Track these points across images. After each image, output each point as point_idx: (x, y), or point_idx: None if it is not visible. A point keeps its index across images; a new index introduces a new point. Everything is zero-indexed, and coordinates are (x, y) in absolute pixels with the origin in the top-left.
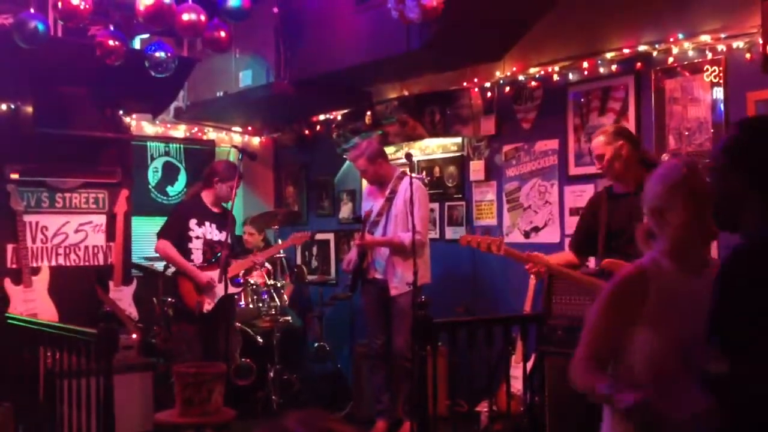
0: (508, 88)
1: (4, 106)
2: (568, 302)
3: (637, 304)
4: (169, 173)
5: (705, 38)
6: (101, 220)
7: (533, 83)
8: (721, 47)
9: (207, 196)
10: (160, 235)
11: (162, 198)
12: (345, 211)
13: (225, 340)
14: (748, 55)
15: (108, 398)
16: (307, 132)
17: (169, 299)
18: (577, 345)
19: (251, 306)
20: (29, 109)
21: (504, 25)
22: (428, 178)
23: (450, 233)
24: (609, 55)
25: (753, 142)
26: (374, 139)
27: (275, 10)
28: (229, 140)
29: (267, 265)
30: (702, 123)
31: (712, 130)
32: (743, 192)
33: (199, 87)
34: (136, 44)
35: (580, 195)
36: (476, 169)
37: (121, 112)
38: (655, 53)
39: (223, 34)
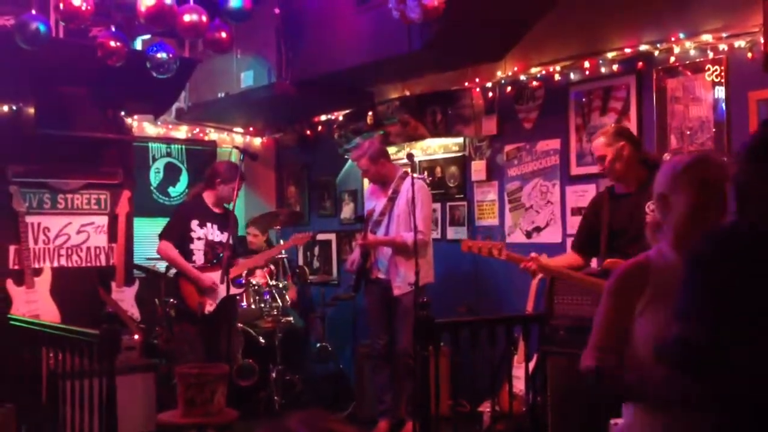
0: (509, 88)
1: (5, 108)
2: (570, 302)
3: (637, 293)
4: (171, 174)
5: (706, 37)
6: (103, 221)
7: (535, 83)
8: (722, 46)
9: (209, 197)
10: (162, 236)
11: (164, 199)
12: (347, 211)
13: (227, 341)
14: (749, 55)
15: (111, 399)
16: (308, 132)
17: (171, 300)
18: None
19: (253, 306)
20: (31, 110)
21: (505, 24)
22: (430, 179)
23: (452, 233)
24: (610, 55)
25: None
26: (376, 139)
27: (276, 10)
28: (231, 141)
29: (269, 265)
30: (704, 122)
31: (713, 130)
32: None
33: (200, 88)
34: (138, 45)
35: (582, 195)
36: (478, 169)
37: (122, 113)
38: (656, 53)
39: (224, 34)
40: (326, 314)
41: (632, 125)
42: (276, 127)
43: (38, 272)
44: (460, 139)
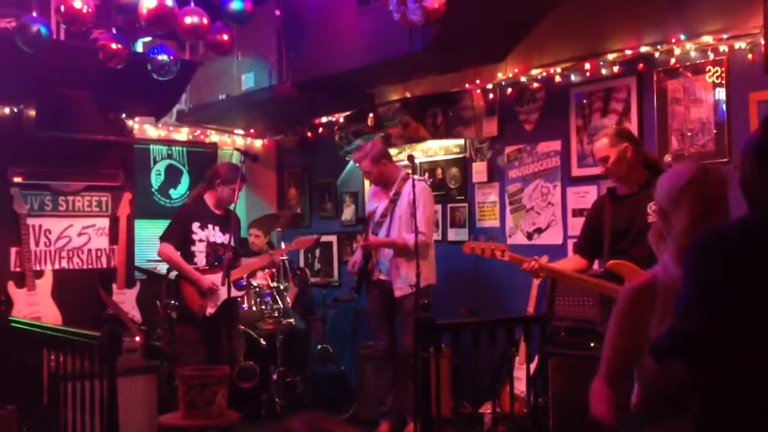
0: (510, 90)
1: (6, 110)
2: (571, 303)
3: (647, 313)
4: (172, 176)
5: (707, 39)
6: (104, 223)
7: (535, 84)
8: (723, 48)
9: (210, 199)
10: (163, 238)
11: (165, 201)
12: (348, 213)
13: (228, 343)
14: (750, 56)
15: (112, 401)
16: (309, 134)
17: (172, 302)
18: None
19: (254, 308)
20: (32, 113)
21: (506, 26)
22: (430, 180)
23: (453, 235)
24: (611, 56)
25: None
26: (377, 140)
27: (277, 12)
28: (232, 143)
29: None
30: (704, 124)
31: (714, 131)
32: None
33: (201, 90)
34: (139, 47)
35: (583, 196)
36: (479, 170)
37: (123, 115)
38: (657, 54)
39: (225, 37)
40: (327, 316)
41: (633, 127)
42: (277, 129)
43: (39, 274)
44: (461, 141)
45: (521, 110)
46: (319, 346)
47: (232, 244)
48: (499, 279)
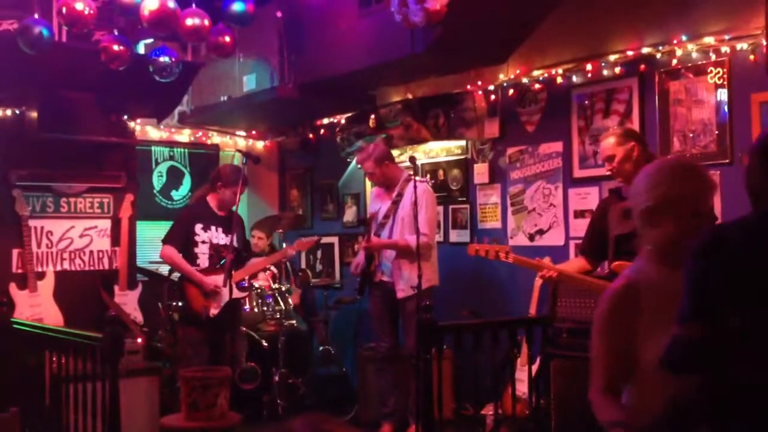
0: (511, 91)
1: (9, 112)
2: (573, 305)
3: (633, 318)
4: (174, 178)
5: (709, 40)
6: (106, 224)
7: (537, 86)
8: (725, 49)
9: (212, 200)
10: (165, 240)
11: (166, 202)
12: (349, 214)
13: (231, 345)
14: (752, 57)
15: (114, 403)
16: (311, 136)
17: (174, 303)
18: (590, 375)
19: (256, 310)
20: (34, 114)
21: (507, 27)
22: (432, 182)
23: (454, 236)
24: (612, 57)
25: None
26: (380, 141)
27: (279, 14)
28: (234, 144)
29: (272, 268)
30: (706, 125)
31: (716, 132)
32: None
33: (203, 91)
34: (141, 49)
35: (585, 197)
36: (480, 171)
37: (125, 116)
38: (658, 55)
39: (227, 38)
40: (329, 317)
41: (635, 128)
42: (278, 131)
43: (41, 276)
44: (463, 142)
45: (523, 111)
46: (321, 348)
47: (235, 245)
48: (501, 280)
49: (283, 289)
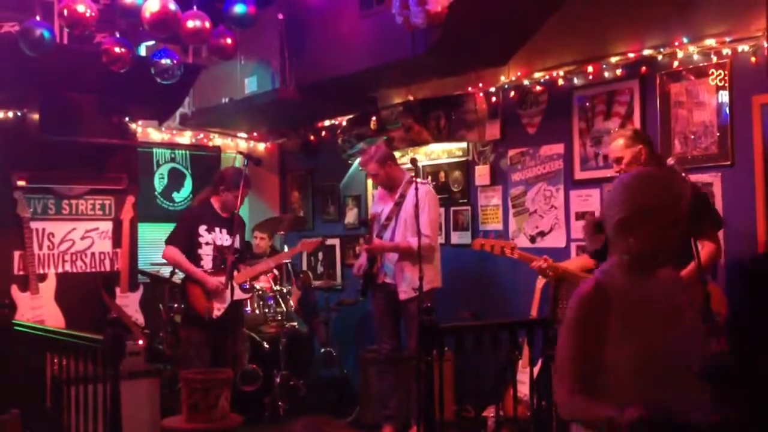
0: (513, 93)
1: (10, 114)
2: None
3: (603, 321)
4: (175, 179)
5: (710, 42)
6: (107, 226)
7: (538, 88)
8: (726, 51)
9: (216, 202)
10: (168, 241)
11: (168, 204)
12: (350, 216)
13: (233, 346)
14: (753, 59)
15: (115, 404)
16: (312, 137)
17: (176, 305)
18: (557, 380)
19: (257, 312)
20: (35, 116)
21: (508, 29)
22: (433, 183)
23: (456, 238)
24: (614, 59)
25: None
26: (381, 143)
27: (280, 16)
28: (235, 146)
29: (274, 270)
30: (707, 127)
31: (717, 134)
32: None
33: (204, 93)
34: (142, 51)
35: (586, 199)
36: (481, 173)
37: (127, 118)
38: (660, 57)
39: (228, 40)
40: (330, 319)
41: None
42: (280, 133)
43: (43, 278)
44: (464, 144)
45: (524, 113)
46: (322, 350)
47: (237, 246)
48: (503, 282)
49: (285, 290)
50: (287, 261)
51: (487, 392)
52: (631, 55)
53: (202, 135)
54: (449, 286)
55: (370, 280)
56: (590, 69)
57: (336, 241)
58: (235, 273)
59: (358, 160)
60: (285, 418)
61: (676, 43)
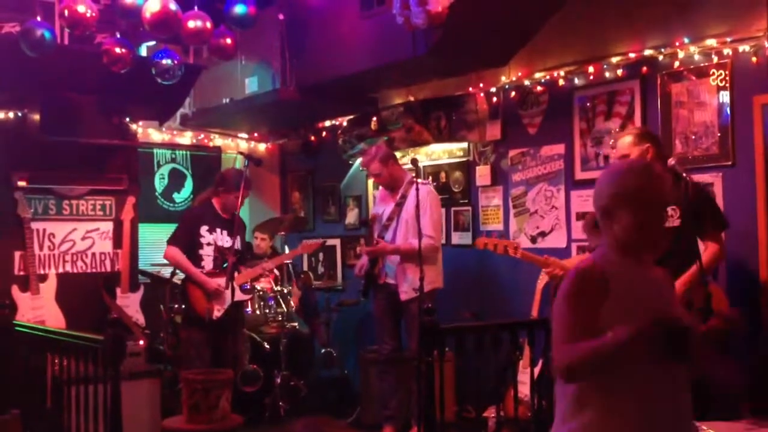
0: (513, 93)
1: (11, 114)
2: None
3: (600, 301)
4: (176, 180)
5: (711, 42)
6: (108, 227)
7: (539, 88)
8: (727, 51)
9: (217, 203)
10: (170, 241)
11: (168, 205)
12: (351, 216)
13: (233, 347)
14: (754, 59)
15: (115, 405)
16: (312, 138)
17: (176, 306)
18: (556, 346)
19: (258, 312)
20: (36, 117)
21: (509, 30)
22: (434, 184)
23: (456, 238)
24: (615, 60)
25: None
26: (382, 143)
27: (281, 16)
28: (236, 147)
29: (274, 271)
30: (708, 127)
31: (718, 134)
32: None
33: (205, 94)
34: (143, 52)
35: (587, 200)
36: (482, 174)
37: (127, 119)
38: (660, 57)
39: (228, 41)
40: (331, 319)
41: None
42: (280, 133)
43: (43, 278)
44: (465, 145)
45: (525, 114)
46: (323, 350)
47: (237, 247)
48: (503, 282)
49: (285, 291)
50: (288, 262)
51: (488, 393)
52: (631, 55)
53: (202, 135)
54: (450, 287)
55: (372, 280)
56: (591, 69)
57: (337, 242)
58: (236, 274)
59: (358, 161)
60: (285, 419)
61: (677, 43)
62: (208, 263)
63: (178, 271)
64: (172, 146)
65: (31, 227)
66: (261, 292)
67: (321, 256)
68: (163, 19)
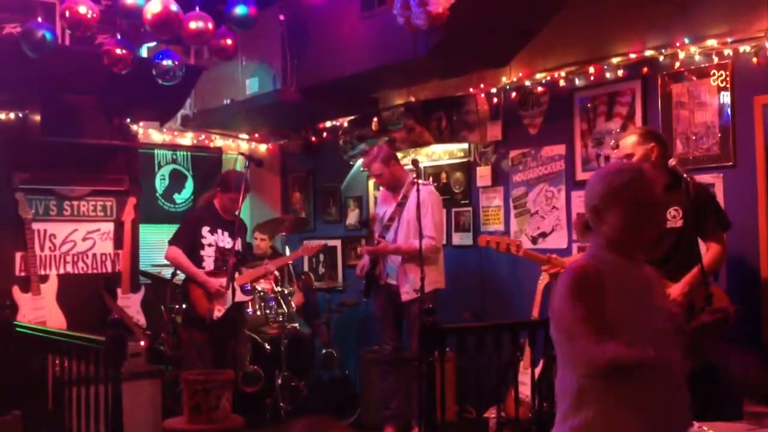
0: (514, 94)
1: (12, 115)
2: None
3: (600, 298)
4: (176, 181)
5: (711, 42)
6: (109, 227)
7: (540, 88)
8: (727, 51)
9: (218, 204)
10: (171, 242)
11: (169, 205)
12: (352, 217)
13: (234, 347)
14: (755, 59)
15: (116, 405)
16: (313, 139)
17: (177, 306)
18: (576, 341)
19: (259, 313)
20: (37, 118)
21: (510, 30)
22: (435, 184)
23: (457, 239)
24: (615, 60)
25: None
26: (383, 144)
27: (281, 17)
28: (236, 147)
29: (276, 272)
30: (709, 127)
31: (719, 135)
32: None
33: (206, 95)
34: (144, 52)
35: None
36: (483, 174)
37: (128, 120)
38: (661, 58)
39: (229, 42)
40: (332, 320)
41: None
42: (281, 134)
43: (44, 279)
44: (465, 145)
45: (525, 114)
46: (324, 351)
47: (238, 248)
48: (504, 283)
49: (286, 292)
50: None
51: (489, 393)
52: (632, 55)
53: (203, 136)
54: (451, 287)
55: (373, 281)
56: (592, 70)
57: (337, 243)
58: (237, 275)
59: (359, 161)
60: (286, 419)
61: (678, 44)
62: (208, 264)
63: (178, 271)
64: (173, 147)
65: (32, 228)
66: (262, 293)
67: (322, 256)
68: (164, 19)
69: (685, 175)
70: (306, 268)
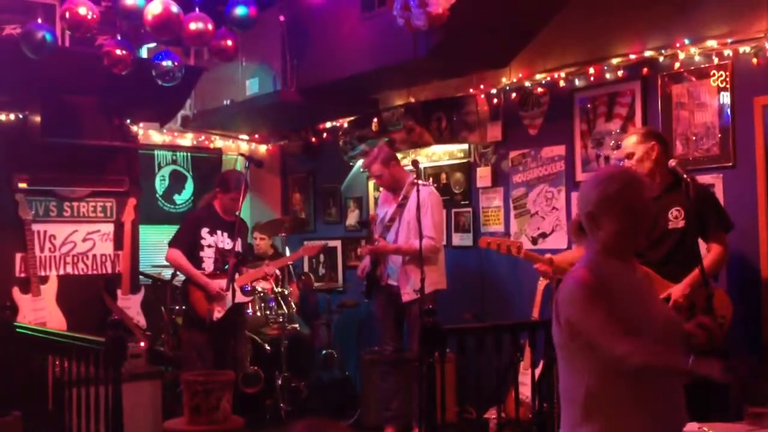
0: (514, 95)
1: (12, 116)
2: None
3: (609, 304)
4: (176, 182)
5: (711, 43)
6: (109, 228)
7: (539, 89)
8: (727, 52)
9: (218, 205)
10: (171, 243)
11: (169, 206)
12: (352, 218)
13: (234, 348)
14: (754, 60)
15: (116, 406)
16: (313, 139)
17: (177, 307)
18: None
19: (258, 314)
20: (37, 119)
21: (510, 31)
22: (435, 185)
23: (457, 240)
24: (615, 61)
25: None
26: (383, 144)
27: (281, 18)
28: (236, 148)
29: (276, 272)
30: (709, 128)
31: (719, 135)
32: None
33: (206, 95)
34: (143, 53)
35: None
36: (483, 175)
37: (128, 120)
38: (661, 58)
39: (229, 42)
40: (332, 321)
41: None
42: (281, 135)
43: (44, 280)
44: (465, 146)
45: (525, 115)
46: (324, 351)
47: (238, 249)
48: (504, 284)
49: (286, 292)
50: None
51: (489, 394)
52: (632, 56)
53: (203, 137)
54: (451, 288)
55: (374, 282)
56: (591, 70)
57: (337, 243)
58: (237, 276)
59: (359, 162)
60: (286, 420)
61: (678, 45)
62: (208, 265)
63: (178, 272)
64: (173, 148)
65: (32, 229)
66: (262, 294)
67: (322, 257)
68: (164, 21)
69: (685, 176)
70: (306, 268)
